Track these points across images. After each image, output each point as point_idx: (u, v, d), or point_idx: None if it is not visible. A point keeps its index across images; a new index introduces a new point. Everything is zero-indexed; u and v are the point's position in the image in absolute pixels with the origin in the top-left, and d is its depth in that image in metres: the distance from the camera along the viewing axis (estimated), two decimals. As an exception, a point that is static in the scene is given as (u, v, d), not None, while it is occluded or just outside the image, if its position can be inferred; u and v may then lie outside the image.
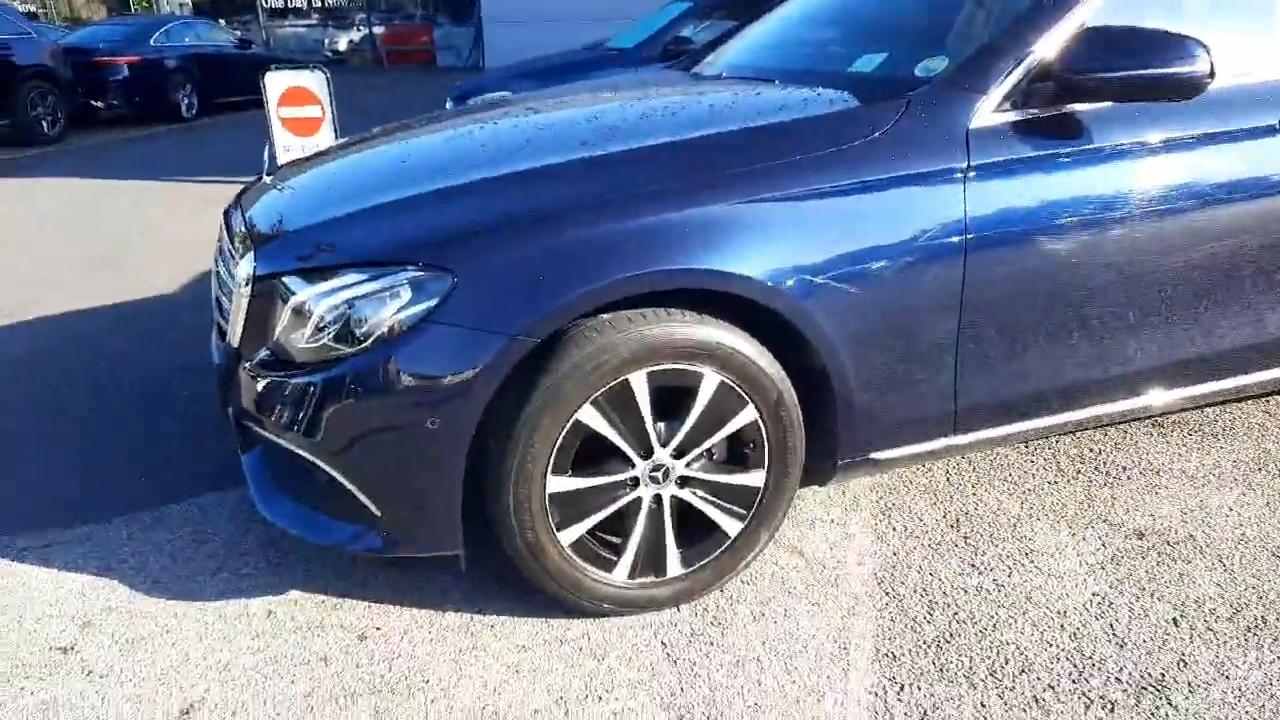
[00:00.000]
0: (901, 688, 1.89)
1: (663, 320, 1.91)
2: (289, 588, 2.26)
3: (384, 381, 1.84)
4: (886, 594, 2.19)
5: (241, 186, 2.68)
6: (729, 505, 2.11)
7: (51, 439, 3.07)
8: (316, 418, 1.90)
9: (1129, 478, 2.66)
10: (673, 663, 1.98)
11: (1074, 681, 1.90)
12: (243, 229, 2.22)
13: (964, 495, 2.59)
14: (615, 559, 2.06)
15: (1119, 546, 2.34)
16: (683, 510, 2.09)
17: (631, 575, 2.08)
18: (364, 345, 1.86)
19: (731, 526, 2.12)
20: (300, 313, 1.95)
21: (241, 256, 2.10)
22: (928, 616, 2.10)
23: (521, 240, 1.86)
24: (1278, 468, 2.68)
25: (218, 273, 2.42)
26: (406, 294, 1.84)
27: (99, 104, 12.15)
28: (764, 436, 2.06)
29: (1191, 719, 1.80)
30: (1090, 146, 2.10)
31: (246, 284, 2.04)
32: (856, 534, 2.42)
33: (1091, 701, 1.85)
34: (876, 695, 1.88)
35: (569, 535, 2.00)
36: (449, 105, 7.66)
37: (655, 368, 1.92)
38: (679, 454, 2.03)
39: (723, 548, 2.13)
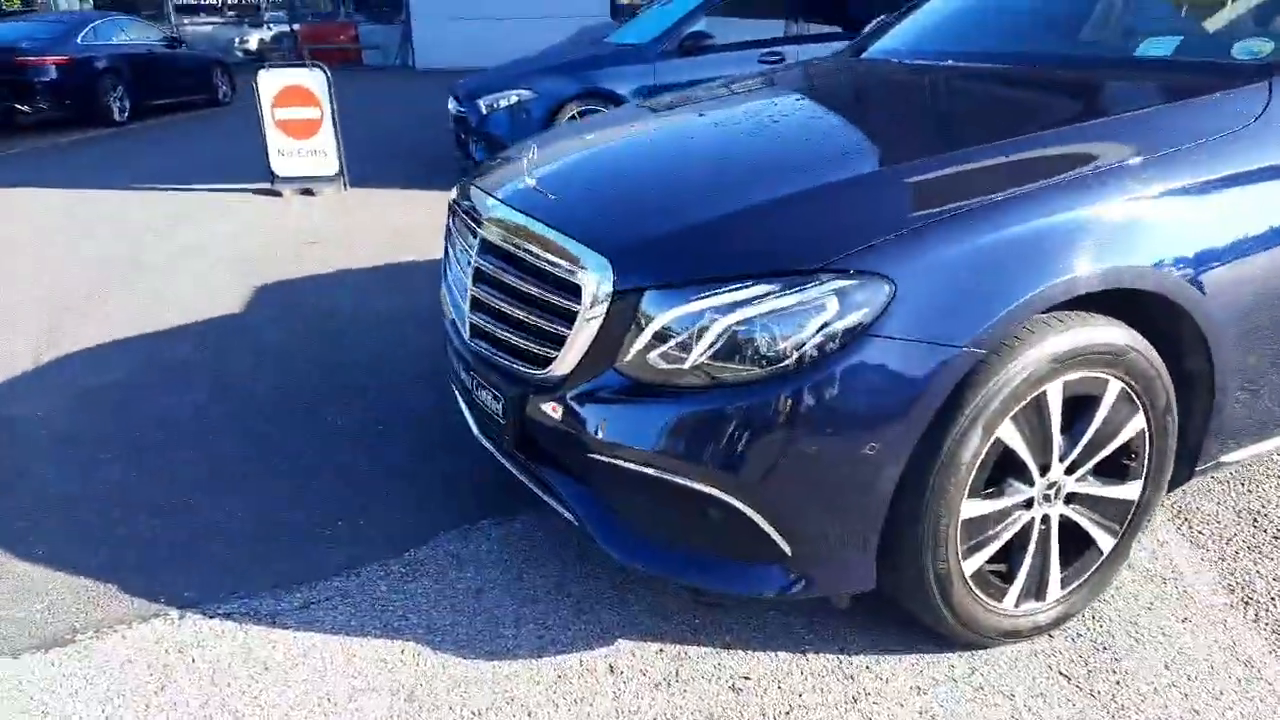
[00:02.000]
0: (1342, 704, 1.80)
1: (1080, 324, 1.77)
2: (613, 637, 2.03)
3: (815, 405, 1.64)
4: (1246, 603, 2.10)
5: (465, 179, 2.39)
6: (1105, 520, 1.98)
7: (217, 482, 2.73)
8: (719, 448, 1.70)
9: (1381, 466, 2.65)
10: (1090, 695, 1.84)
11: None
12: (556, 237, 1.96)
13: (1242, 493, 2.53)
14: (1006, 586, 1.92)
15: None
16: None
17: (1018, 603, 1.94)
18: (781, 365, 1.66)
19: (1106, 542, 2.00)
20: (668, 332, 1.73)
21: (577, 268, 1.86)
22: (1307, 624, 2.03)
23: (959, 241, 1.69)
24: None
25: (477, 285, 2.16)
26: (834, 306, 1.64)
27: (25, 108, 11.22)
28: (1147, 445, 1.95)
29: None
30: None
31: (600, 303, 1.81)
32: (1168, 540, 2.33)
33: None
34: (1324, 714, 1.78)
35: (971, 564, 1.85)
36: (452, 105, 7.37)
37: (1071, 376, 1.79)
38: (1070, 470, 1.90)
39: (1097, 564, 2.01)
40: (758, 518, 1.72)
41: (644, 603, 2.13)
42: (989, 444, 1.75)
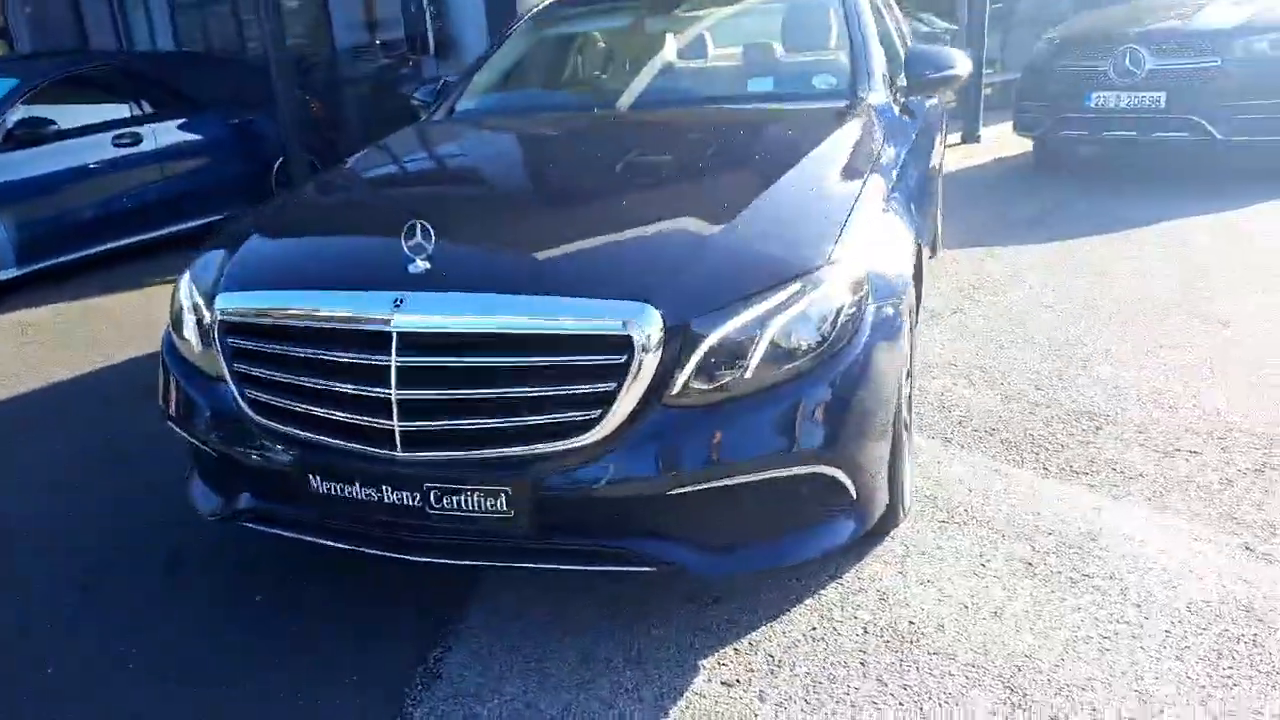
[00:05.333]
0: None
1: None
2: (693, 665, 2.08)
3: (863, 366, 2.02)
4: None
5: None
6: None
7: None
8: (808, 431, 1.96)
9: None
10: (952, 523, 2.58)
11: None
12: (570, 302, 1.92)
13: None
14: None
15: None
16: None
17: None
18: (827, 345, 1.97)
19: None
20: (718, 352, 1.91)
21: (618, 322, 1.87)
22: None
23: (867, 226, 2.22)
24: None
25: (407, 388, 1.94)
26: (844, 288, 2.02)
27: None
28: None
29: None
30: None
31: (655, 348, 1.87)
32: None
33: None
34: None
35: (906, 456, 2.42)
36: None
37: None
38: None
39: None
40: (840, 475, 2.01)
41: (671, 628, 2.19)
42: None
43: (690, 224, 2.16)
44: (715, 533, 2.00)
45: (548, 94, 3.59)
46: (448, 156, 3.07)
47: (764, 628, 2.19)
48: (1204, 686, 1.92)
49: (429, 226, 2.03)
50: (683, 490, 1.92)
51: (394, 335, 1.95)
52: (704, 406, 1.93)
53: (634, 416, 1.90)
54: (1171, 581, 2.26)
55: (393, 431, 1.97)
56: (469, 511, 1.96)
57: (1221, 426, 3.02)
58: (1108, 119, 6.66)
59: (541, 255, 2.11)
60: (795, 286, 1.98)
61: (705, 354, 1.91)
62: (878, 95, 3.06)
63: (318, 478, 2.06)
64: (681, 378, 1.91)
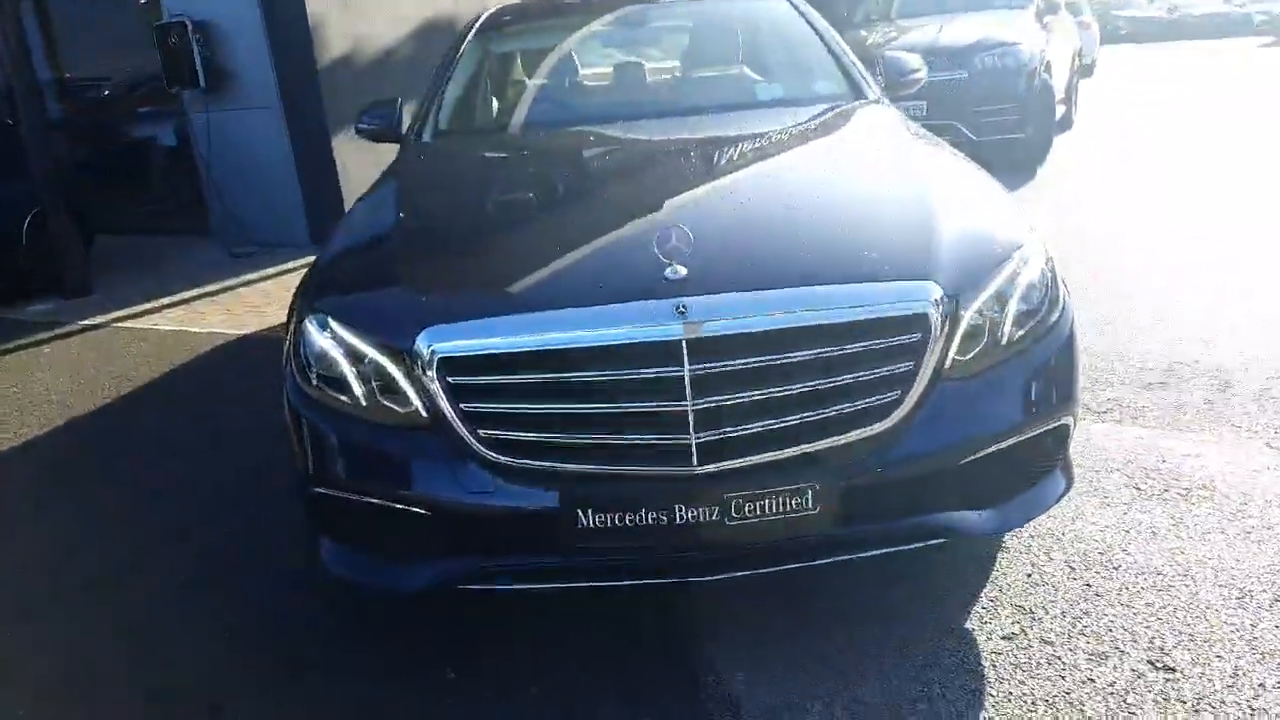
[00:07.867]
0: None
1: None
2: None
3: (1072, 321, 2.20)
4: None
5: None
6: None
7: None
8: (1058, 385, 2.13)
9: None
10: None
11: None
12: (866, 288, 1.94)
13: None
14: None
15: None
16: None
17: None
18: (1046, 302, 2.13)
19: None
20: (976, 322, 2.02)
21: (912, 303, 1.91)
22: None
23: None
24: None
25: (702, 399, 1.85)
26: (1043, 256, 2.20)
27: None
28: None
29: None
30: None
31: (944, 325, 1.94)
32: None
33: None
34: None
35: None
36: None
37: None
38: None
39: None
40: (1072, 424, 2.18)
41: (909, 604, 2.25)
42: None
43: (904, 208, 2.22)
44: (988, 494, 2.07)
45: (563, 106, 3.46)
46: (564, 164, 2.96)
47: (988, 588, 2.31)
48: (1347, 552, 2.34)
49: (685, 229, 1.93)
50: (970, 458, 1.99)
51: (684, 344, 1.84)
52: (974, 376, 2.01)
53: (925, 394, 1.95)
54: (1247, 480, 2.69)
55: (688, 446, 1.85)
56: (773, 515, 1.88)
57: (1165, 362, 3.59)
58: (883, 127, 7.54)
59: (799, 248, 2.08)
60: (1018, 257, 2.13)
61: (969, 326, 2.00)
62: (876, 93, 3.31)
63: (589, 512, 1.88)
64: (952, 352, 1.98)
